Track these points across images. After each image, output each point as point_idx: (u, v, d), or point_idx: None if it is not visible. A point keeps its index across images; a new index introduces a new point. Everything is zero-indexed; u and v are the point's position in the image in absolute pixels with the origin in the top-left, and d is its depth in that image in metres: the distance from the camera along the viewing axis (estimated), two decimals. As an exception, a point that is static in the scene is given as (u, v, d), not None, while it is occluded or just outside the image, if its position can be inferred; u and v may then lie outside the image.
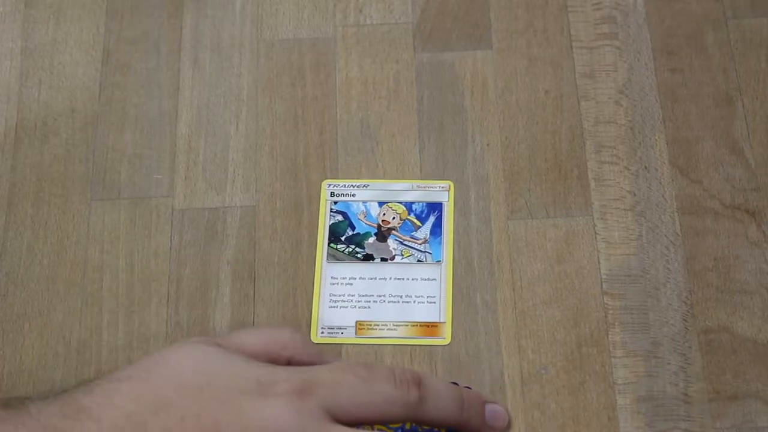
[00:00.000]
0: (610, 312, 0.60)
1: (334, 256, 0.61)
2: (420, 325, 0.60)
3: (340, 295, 0.60)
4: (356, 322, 0.60)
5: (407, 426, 0.55)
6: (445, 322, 0.60)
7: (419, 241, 0.62)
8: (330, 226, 0.62)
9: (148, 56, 0.68)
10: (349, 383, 0.48)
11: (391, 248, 0.62)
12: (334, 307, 0.60)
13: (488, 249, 0.62)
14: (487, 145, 0.65)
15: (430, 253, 0.61)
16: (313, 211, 0.63)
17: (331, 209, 0.63)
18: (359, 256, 0.62)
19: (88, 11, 0.70)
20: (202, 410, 0.46)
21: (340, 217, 0.63)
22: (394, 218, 0.63)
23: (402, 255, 0.62)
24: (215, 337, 0.50)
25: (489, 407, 0.52)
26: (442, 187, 0.63)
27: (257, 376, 0.48)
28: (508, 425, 0.52)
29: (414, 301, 0.60)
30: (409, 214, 0.63)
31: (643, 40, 0.67)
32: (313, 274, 0.61)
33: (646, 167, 0.64)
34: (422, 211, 0.63)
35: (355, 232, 0.62)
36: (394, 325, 0.60)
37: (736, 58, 0.67)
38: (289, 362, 0.50)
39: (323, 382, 0.48)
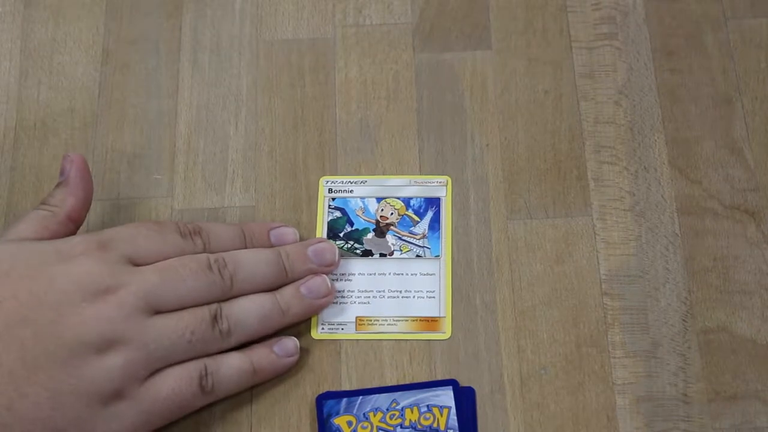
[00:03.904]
0: (610, 312, 0.60)
1: (333, 254, 0.61)
2: (420, 320, 0.60)
3: (339, 291, 0.60)
4: (356, 317, 0.60)
5: (406, 423, 0.56)
6: (444, 317, 0.60)
7: (418, 237, 0.62)
8: (328, 223, 0.62)
9: (147, 56, 0.68)
10: (143, 234, 0.55)
11: (389, 244, 0.62)
12: (333, 303, 0.60)
13: (487, 249, 0.62)
14: (487, 145, 0.65)
15: (429, 248, 0.61)
16: (312, 211, 0.63)
17: (329, 206, 0.63)
18: (358, 252, 0.62)
19: (88, 11, 0.70)
20: (15, 290, 0.51)
21: (338, 214, 0.63)
22: (392, 214, 0.63)
23: (401, 250, 0.62)
24: None
25: (276, 232, 0.60)
26: (440, 182, 0.63)
27: (54, 248, 0.53)
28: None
29: (413, 296, 0.60)
30: (407, 210, 0.63)
31: (642, 41, 0.67)
32: (312, 274, 0.61)
33: (645, 167, 0.64)
34: (420, 207, 0.63)
35: (353, 228, 0.62)
36: (393, 320, 0.60)
37: (735, 59, 0.67)
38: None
39: (119, 237, 0.54)
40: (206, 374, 0.54)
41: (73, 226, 0.57)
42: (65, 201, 0.57)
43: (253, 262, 0.57)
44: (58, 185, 0.58)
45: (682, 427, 0.57)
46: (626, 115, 0.65)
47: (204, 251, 0.56)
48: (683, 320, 0.59)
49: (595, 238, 0.62)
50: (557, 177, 0.64)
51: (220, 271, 0.55)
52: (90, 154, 0.65)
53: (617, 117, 0.65)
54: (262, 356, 0.56)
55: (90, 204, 0.58)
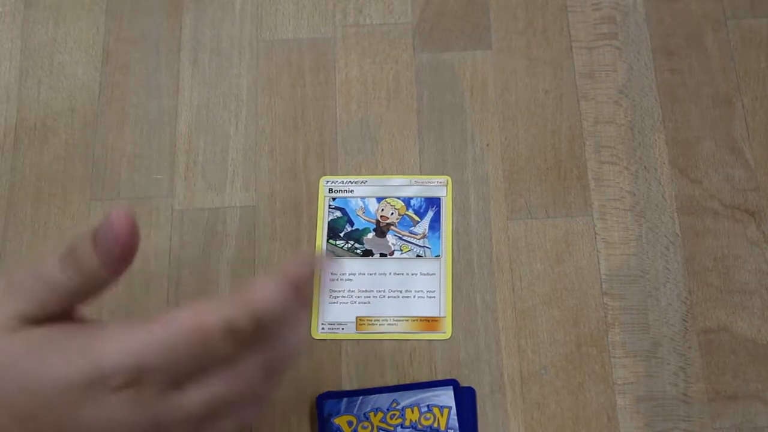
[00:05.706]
0: (610, 312, 0.60)
1: (333, 252, 0.62)
2: (420, 320, 0.60)
3: (339, 291, 0.60)
4: (356, 317, 0.60)
5: (406, 423, 0.56)
6: (444, 317, 0.60)
7: (418, 236, 0.62)
8: (329, 222, 0.62)
9: (147, 56, 0.68)
10: (184, 354, 0.41)
11: (390, 243, 0.62)
12: (334, 303, 0.60)
13: (488, 249, 0.62)
14: (487, 145, 0.65)
15: (429, 248, 0.61)
16: (312, 211, 0.63)
17: (330, 205, 0.63)
18: (358, 251, 0.62)
19: (88, 11, 0.70)
20: None
21: (338, 213, 0.63)
22: (392, 214, 0.63)
23: (401, 250, 0.62)
24: None
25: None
26: (440, 182, 0.63)
27: (80, 376, 0.41)
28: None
29: (414, 296, 0.60)
30: (407, 210, 0.63)
31: (642, 41, 0.67)
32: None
33: (645, 167, 0.64)
34: (420, 206, 0.63)
35: (353, 228, 0.62)
36: (394, 320, 0.60)
37: (735, 59, 0.67)
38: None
39: (156, 364, 0.41)
40: None
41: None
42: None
43: None
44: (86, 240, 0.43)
45: (682, 426, 0.57)
46: (626, 115, 0.65)
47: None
48: (683, 320, 0.59)
49: (595, 237, 0.62)
50: (558, 177, 0.64)
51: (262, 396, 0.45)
52: (90, 154, 0.65)
53: (617, 117, 0.65)
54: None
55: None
